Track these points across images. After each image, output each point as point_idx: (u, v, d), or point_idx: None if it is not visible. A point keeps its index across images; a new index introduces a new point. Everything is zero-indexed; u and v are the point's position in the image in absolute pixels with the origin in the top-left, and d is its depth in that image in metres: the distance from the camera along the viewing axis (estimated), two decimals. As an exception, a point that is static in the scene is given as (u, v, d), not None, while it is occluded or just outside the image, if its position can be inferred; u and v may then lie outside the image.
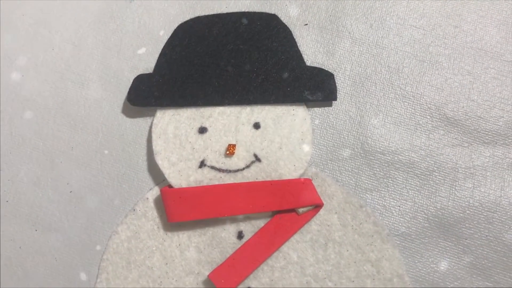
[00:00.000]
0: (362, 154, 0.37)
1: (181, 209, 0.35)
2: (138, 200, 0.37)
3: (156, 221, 0.36)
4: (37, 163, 0.38)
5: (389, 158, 0.37)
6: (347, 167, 0.37)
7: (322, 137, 0.37)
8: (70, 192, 0.37)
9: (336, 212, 0.36)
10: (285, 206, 0.35)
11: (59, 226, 0.37)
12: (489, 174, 0.36)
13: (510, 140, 0.37)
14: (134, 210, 0.36)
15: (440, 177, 0.36)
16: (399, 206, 0.36)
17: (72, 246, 0.36)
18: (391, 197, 0.36)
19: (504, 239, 0.35)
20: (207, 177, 0.36)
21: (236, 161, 0.36)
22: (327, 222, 0.36)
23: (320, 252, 0.35)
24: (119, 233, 0.36)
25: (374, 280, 0.35)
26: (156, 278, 0.35)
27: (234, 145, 0.36)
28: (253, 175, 0.36)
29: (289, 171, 0.36)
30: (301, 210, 0.35)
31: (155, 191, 0.37)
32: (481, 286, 0.35)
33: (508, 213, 0.35)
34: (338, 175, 0.37)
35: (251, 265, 0.34)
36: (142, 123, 0.38)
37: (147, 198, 0.37)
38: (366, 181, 0.37)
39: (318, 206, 0.36)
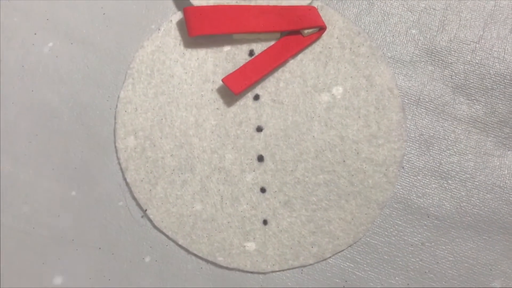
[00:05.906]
0: (362, -6, 0.42)
1: (201, 24, 0.39)
2: (163, 22, 0.41)
3: (178, 39, 0.41)
4: (74, -10, 0.43)
5: (386, -4, 0.42)
6: (349, 3, 0.42)
7: (328, -22, 0.42)
8: (103, 14, 0.42)
9: (337, 37, 0.40)
10: (292, 27, 0.40)
11: (92, 40, 0.41)
12: (475, 15, 0.41)
13: (494, -13, 0.41)
14: (158, 29, 0.41)
15: (431, 15, 0.41)
16: (393, 36, 0.41)
17: (102, 57, 0.41)
18: (387, 29, 0.41)
19: (488, 67, 0.40)
20: (225, 1, 0.41)
21: (251, -10, 0.41)
22: (328, 45, 0.40)
23: (320, 68, 0.40)
24: (145, 47, 0.41)
25: (367, 91, 0.39)
26: (176, 84, 0.40)
27: (249, -24, 0.41)
28: (266, 1, 0.41)
29: (297, 1, 0.41)
30: (306, 31, 0.40)
31: (178, 15, 0.41)
32: (461, 101, 0.39)
33: (488, 44, 0.40)
34: (341, 10, 0.42)
35: (259, 72, 0.39)
36: None
37: (171, 20, 0.41)
38: (365, 16, 0.41)
39: (321, 29, 0.40)
